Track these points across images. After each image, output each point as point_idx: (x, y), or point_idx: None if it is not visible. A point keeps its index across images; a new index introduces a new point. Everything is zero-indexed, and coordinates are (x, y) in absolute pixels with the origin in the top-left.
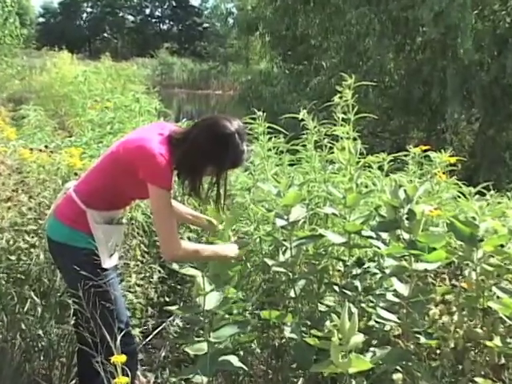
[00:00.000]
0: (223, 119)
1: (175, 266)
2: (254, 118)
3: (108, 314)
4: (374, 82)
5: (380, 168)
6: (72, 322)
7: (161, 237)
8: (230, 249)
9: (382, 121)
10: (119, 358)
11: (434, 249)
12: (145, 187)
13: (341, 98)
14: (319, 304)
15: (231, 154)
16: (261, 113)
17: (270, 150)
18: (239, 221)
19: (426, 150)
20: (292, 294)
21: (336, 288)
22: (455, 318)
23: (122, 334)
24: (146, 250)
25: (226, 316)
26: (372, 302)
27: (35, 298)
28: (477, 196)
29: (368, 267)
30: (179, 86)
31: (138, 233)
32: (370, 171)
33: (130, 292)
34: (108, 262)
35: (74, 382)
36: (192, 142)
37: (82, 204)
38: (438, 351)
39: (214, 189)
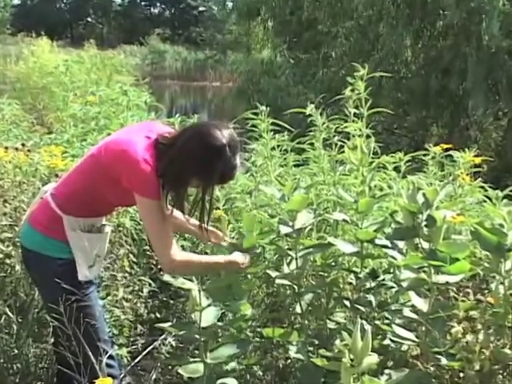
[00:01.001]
0: (214, 128)
1: (168, 279)
2: (255, 113)
3: (92, 332)
4: (389, 73)
5: (396, 169)
6: (51, 340)
7: (157, 250)
8: (234, 258)
9: (397, 116)
10: (105, 382)
11: (457, 259)
12: (129, 194)
13: (352, 90)
14: (328, 321)
15: (220, 168)
16: (263, 107)
17: (273, 148)
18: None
19: (447, 149)
20: (298, 310)
21: (347, 303)
22: (480, 336)
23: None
24: (134, 260)
25: (225, 334)
26: (387, 318)
27: (10, 314)
28: (505, 200)
29: (383, 280)
30: (172, 77)
31: (126, 241)
32: (384, 172)
33: (116, 307)
34: (86, 274)
35: None
36: (179, 151)
37: (58, 209)
38: (461, 374)
39: (199, 204)
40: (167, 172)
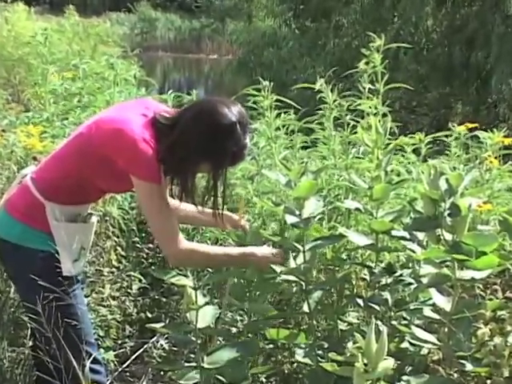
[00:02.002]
0: (221, 105)
1: (160, 274)
2: (257, 90)
3: (74, 334)
4: (407, 44)
5: (416, 151)
6: (29, 343)
7: (160, 240)
8: (255, 250)
9: (417, 92)
10: None
11: (484, 253)
12: (123, 179)
13: (367, 63)
14: (339, 321)
15: (231, 148)
16: (266, 82)
17: (278, 128)
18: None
19: (473, 129)
20: (305, 309)
21: (360, 301)
22: (510, 339)
23: (91, 359)
24: (122, 253)
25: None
26: (405, 318)
27: None
28: None
29: (400, 275)
30: (164, 48)
31: (113, 232)
32: (402, 155)
33: (102, 306)
34: (70, 269)
35: None
36: (182, 132)
37: (40, 195)
38: (488, 381)
39: (211, 192)
40: (170, 156)
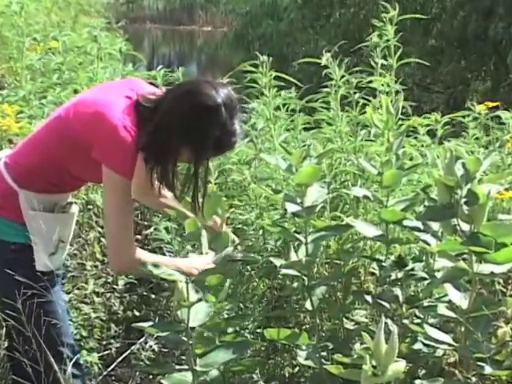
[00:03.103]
0: (207, 85)
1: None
2: (255, 65)
3: (53, 334)
4: (418, 14)
5: (430, 133)
6: (5, 344)
7: (112, 244)
8: (199, 263)
9: (432, 68)
10: None
11: (504, 245)
12: (100, 167)
13: (379, 36)
14: (345, 320)
15: (214, 133)
16: (265, 57)
17: (277, 108)
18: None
19: (493, 108)
20: (308, 306)
21: (368, 298)
22: None
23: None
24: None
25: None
26: (418, 317)
27: None
28: None
29: (412, 270)
30: (152, 19)
31: (96, 222)
32: (416, 138)
33: (85, 303)
34: (46, 264)
35: None
36: (163, 114)
37: (13, 182)
38: None
39: (192, 182)
40: (151, 142)
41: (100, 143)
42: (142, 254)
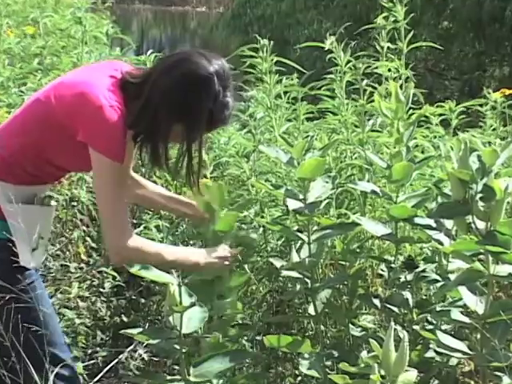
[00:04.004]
0: (198, 55)
1: (138, 270)
2: (254, 49)
3: (36, 342)
4: None
5: (444, 123)
6: None
7: (108, 230)
8: (216, 253)
9: (446, 52)
10: None
11: None
12: (85, 155)
13: (386, 18)
14: (351, 326)
15: (207, 105)
16: (265, 40)
17: (278, 96)
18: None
19: (510, 96)
20: (311, 311)
21: (376, 302)
22: None
23: (58, 368)
24: (93, 245)
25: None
26: (430, 322)
27: None
28: None
29: (424, 271)
30: None
31: (81, 220)
32: (428, 128)
33: (69, 309)
34: (29, 260)
35: None
36: (152, 87)
37: None
38: None
39: (185, 159)
40: (140, 119)
41: (85, 125)
42: (142, 242)
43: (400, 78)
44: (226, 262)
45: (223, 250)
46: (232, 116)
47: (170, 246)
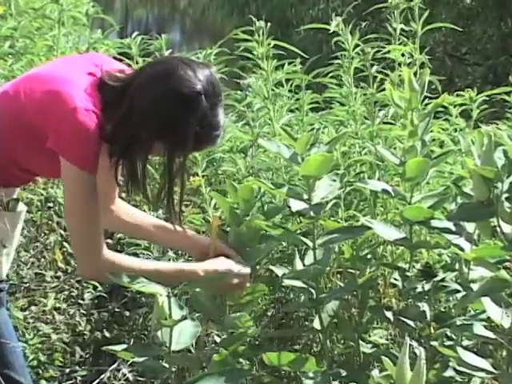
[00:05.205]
0: (183, 66)
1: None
2: (251, 32)
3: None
4: None
5: (465, 114)
6: None
7: (78, 246)
8: (216, 265)
9: (467, 34)
10: None
11: None
12: (54, 160)
13: None
14: (361, 341)
15: (192, 126)
16: (262, 22)
17: (279, 84)
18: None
19: None
20: (316, 325)
21: (389, 315)
22: None
23: None
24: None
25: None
26: (450, 338)
27: None
28: None
29: (442, 280)
30: None
31: (58, 223)
32: (447, 119)
33: (44, 323)
34: None
35: None
36: (132, 101)
37: None
38: None
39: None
40: (117, 132)
41: (55, 129)
42: (115, 257)
43: (415, 64)
44: (236, 280)
45: (225, 265)
46: (222, 136)
47: (148, 260)
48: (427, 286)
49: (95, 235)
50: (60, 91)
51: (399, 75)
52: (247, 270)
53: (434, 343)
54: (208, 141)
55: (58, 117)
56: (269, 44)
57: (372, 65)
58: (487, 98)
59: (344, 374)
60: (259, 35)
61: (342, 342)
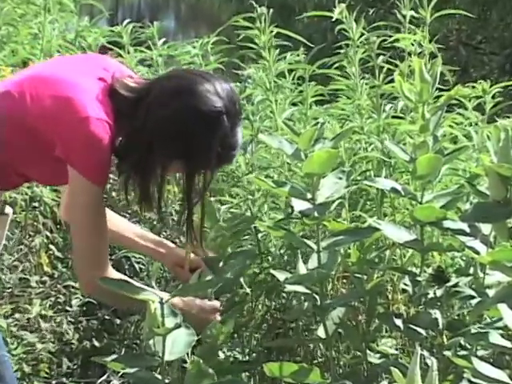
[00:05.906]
0: (203, 82)
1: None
2: (251, 19)
3: None
4: None
5: (480, 108)
6: None
7: (82, 260)
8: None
9: (482, 21)
10: None
11: None
12: (56, 168)
13: None
14: (368, 351)
15: (214, 146)
16: (263, 9)
17: (281, 75)
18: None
19: None
20: (321, 334)
21: (399, 322)
22: None
23: None
24: (58, 255)
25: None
26: (464, 347)
27: None
28: None
29: (456, 286)
30: None
31: (44, 224)
32: (460, 113)
33: (29, 331)
34: None
35: None
36: (147, 117)
37: None
38: None
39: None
40: (129, 147)
41: (65, 138)
42: (119, 277)
43: (425, 54)
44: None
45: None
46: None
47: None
48: (439, 292)
49: (102, 249)
50: (70, 97)
51: (409, 66)
52: (215, 304)
53: (446, 353)
54: (226, 161)
55: (68, 125)
56: (271, 32)
57: (378, 55)
58: (503, 90)
59: None
60: (261, 22)
61: (348, 351)
